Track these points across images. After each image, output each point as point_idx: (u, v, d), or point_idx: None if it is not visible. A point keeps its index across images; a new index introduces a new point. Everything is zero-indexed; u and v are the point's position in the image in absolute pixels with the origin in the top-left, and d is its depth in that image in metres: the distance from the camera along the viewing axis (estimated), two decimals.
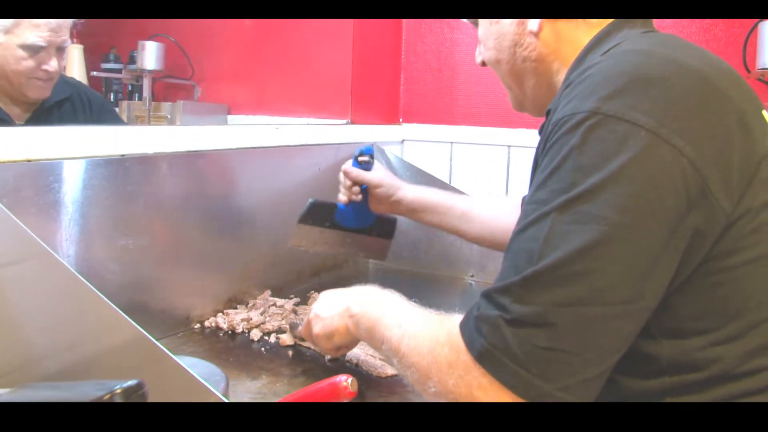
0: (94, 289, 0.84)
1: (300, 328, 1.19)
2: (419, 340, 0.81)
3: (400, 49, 2.15)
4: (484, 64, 1.05)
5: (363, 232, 1.47)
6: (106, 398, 0.54)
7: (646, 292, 0.70)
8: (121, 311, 0.83)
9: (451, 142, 2.07)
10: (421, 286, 1.76)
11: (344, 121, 1.94)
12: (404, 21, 2.14)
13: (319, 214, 1.44)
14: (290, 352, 1.27)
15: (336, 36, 1.99)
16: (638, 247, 0.69)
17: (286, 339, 1.30)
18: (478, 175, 2.03)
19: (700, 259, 0.72)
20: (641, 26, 0.89)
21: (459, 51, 2.07)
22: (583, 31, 0.90)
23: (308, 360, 1.24)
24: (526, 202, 0.76)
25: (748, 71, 1.64)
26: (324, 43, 2.04)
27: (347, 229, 1.46)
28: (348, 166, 1.45)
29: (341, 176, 1.46)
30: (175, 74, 2.50)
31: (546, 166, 0.74)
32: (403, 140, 2.14)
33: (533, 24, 0.92)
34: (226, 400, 0.75)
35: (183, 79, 2.50)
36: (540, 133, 0.89)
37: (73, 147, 1.15)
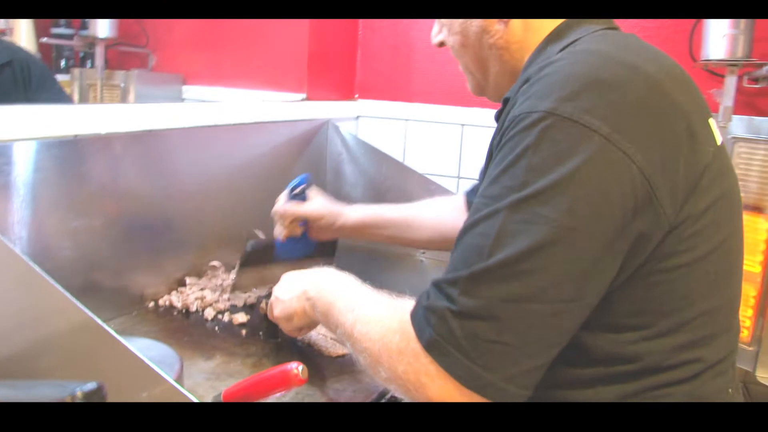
0: (43, 273, 0.85)
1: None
2: (371, 326, 0.83)
3: (357, 24, 2.15)
4: (441, 44, 1.06)
5: (305, 259, 1.44)
6: (67, 400, 0.56)
7: (587, 291, 0.74)
8: (69, 294, 0.84)
9: (406, 120, 2.09)
10: (375, 262, 1.79)
11: (300, 96, 1.95)
12: None
13: (259, 255, 1.39)
14: (243, 331, 1.30)
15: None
16: (583, 250, 0.71)
17: (239, 318, 1.32)
18: (432, 152, 2.06)
19: (641, 261, 0.76)
20: (602, 23, 0.90)
21: (416, 29, 2.08)
22: (549, 21, 0.91)
23: (261, 340, 1.27)
24: (478, 195, 0.78)
25: (694, 60, 1.69)
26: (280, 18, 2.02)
27: (289, 261, 1.42)
28: (283, 204, 1.40)
29: (276, 211, 1.41)
30: (128, 42, 2.46)
31: (500, 161, 0.75)
32: (359, 116, 2.15)
33: None
34: (177, 386, 0.77)
35: (137, 47, 2.46)
36: (496, 120, 0.91)
37: (25, 128, 1.14)
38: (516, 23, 0.93)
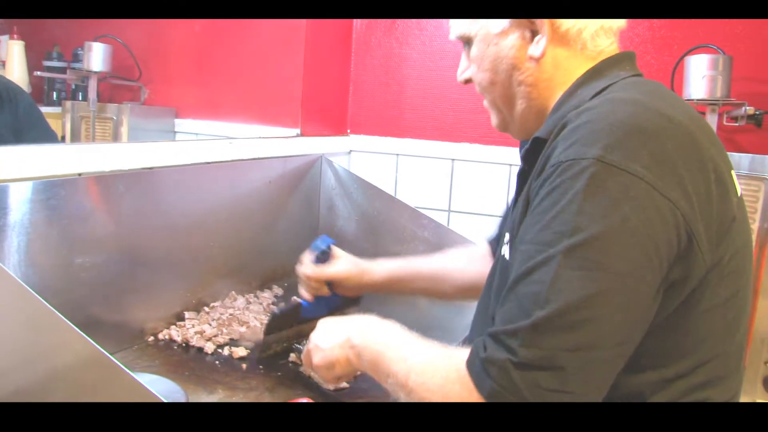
0: (50, 307, 0.87)
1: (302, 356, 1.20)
2: (427, 376, 0.84)
3: (350, 62, 2.21)
4: (466, 82, 1.06)
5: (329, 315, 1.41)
6: None
7: (636, 334, 0.77)
8: (78, 329, 0.86)
9: (397, 154, 2.14)
10: (372, 296, 1.81)
11: (294, 132, 1.99)
12: (354, 34, 2.20)
13: (284, 320, 1.37)
14: (244, 365, 1.32)
15: (287, 47, 2.02)
16: (635, 294, 0.75)
17: (240, 352, 1.34)
18: (423, 186, 2.11)
19: (676, 304, 0.79)
20: (629, 68, 0.94)
21: (407, 66, 2.14)
22: (578, 61, 0.94)
23: (262, 373, 1.29)
24: (525, 241, 0.79)
25: None
26: (275, 53, 2.07)
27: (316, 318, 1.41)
28: (309, 266, 1.37)
29: (301, 274, 1.38)
30: (121, 75, 2.49)
31: (549, 207, 0.77)
32: (351, 151, 2.20)
33: (535, 50, 0.93)
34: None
35: (130, 80, 2.49)
36: (525, 158, 0.94)
37: (25, 168, 1.16)
38: (547, 61, 0.94)
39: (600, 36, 0.93)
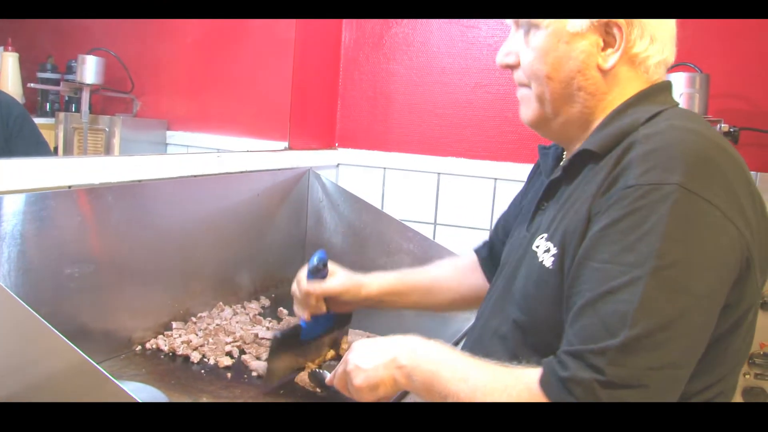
0: (38, 316, 0.90)
1: (329, 378, 1.17)
2: (495, 395, 0.86)
3: (338, 76, 2.25)
4: (506, 66, 1.04)
5: (324, 335, 1.39)
6: None
7: (701, 352, 0.83)
8: (65, 338, 0.89)
9: (384, 168, 2.18)
10: None
11: (282, 145, 2.02)
12: (343, 49, 2.24)
13: (285, 343, 1.34)
14: (229, 374, 1.35)
15: (276, 61, 2.06)
16: (710, 316, 0.81)
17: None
18: (409, 200, 2.15)
19: (728, 326, 0.86)
20: (671, 96, 1.00)
21: (394, 81, 2.18)
22: (635, 84, 0.97)
23: (245, 382, 1.32)
24: (605, 261, 0.82)
25: None
26: (264, 67, 2.10)
27: (315, 339, 1.37)
28: (306, 282, 1.32)
29: (297, 292, 1.34)
30: (114, 87, 2.52)
31: (630, 229, 0.80)
32: (338, 164, 2.23)
33: (606, 61, 0.95)
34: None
35: (122, 92, 2.52)
36: (566, 165, 0.98)
37: (16, 180, 1.19)
38: (611, 76, 0.96)
39: (660, 67, 0.98)
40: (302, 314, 1.34)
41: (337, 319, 1.39)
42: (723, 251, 0.80)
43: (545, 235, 0.96)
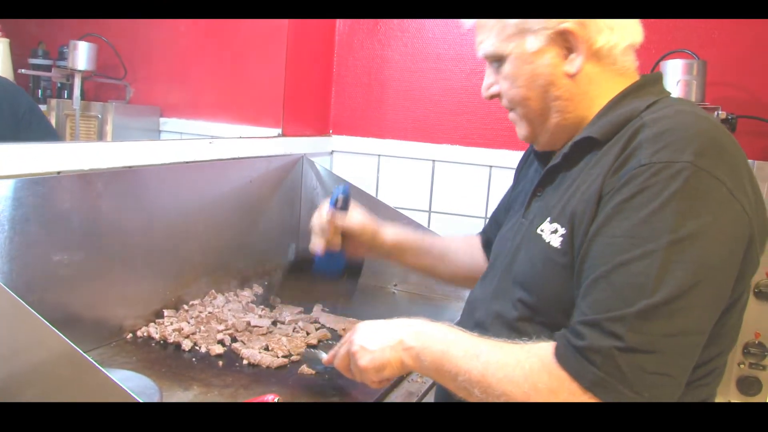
0: (25, 304, 0.89)
1: (328, 357, 1.18)
2: (509, 369, 0.87)
3: (332, 62, 2.22)
4: (492, 97, 1.10)
5: (335, 278, 1.40)
6: None
7: (714, 320, 0.87)
8: (52, 326, 0.88)
9: (379, 155, 2.16)
10: None
11: (276, 132, 2.00)
12: (337, 36, 2.22)
13: (300, 265, 1.37)
14: (220, 362, 1.34)
15: (269, 47, 2.04)
16: (721, 286, 0.85)
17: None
18: (404, 187, 2.13)
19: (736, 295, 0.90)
20: (662, 84, 1.04)
21: (389, 67, 2.15)
22: (609, 76, 1.01)
23: (237, 370, 1.31)
24: (617, 235, 0.85)
25: None
26: (257, 54, 2.08)
27: (325, 277, 1.38)
28: (327, 213, 1.34)
29: (317, 223, 1.36)
30: (106, 73, 2.49)
31: (643, 204, 0.84)
32: (333, 151, 2.22)
33: (571, 67, 0.99)
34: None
35: (115, 79, 2.49)
36: (567, 152, 1.00)
37: (7, 165, 1.18)
38: (582, 77, 1.00)
39: (627, 53, 1.02)
40: (317, 248, 1.35)
41: (350, 264, 1.40)
42: (732, 225, 0.84)
43: (549, 218, 0.98)
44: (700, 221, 0.82)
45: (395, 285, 1.92)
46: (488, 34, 1.05)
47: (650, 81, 1.02)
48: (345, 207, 1.34)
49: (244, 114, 2.09)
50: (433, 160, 2.10)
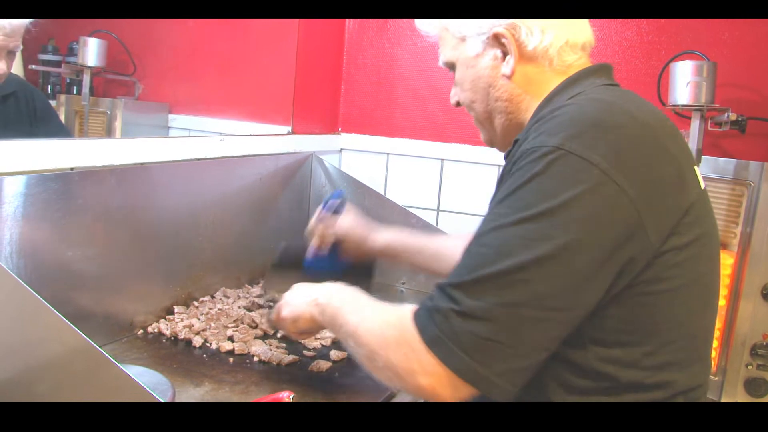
0: (40, 298, 0.90)
1: (271, 314, 1.26)
2: (373, 323, 0.94)
3: (342, 61, 2.23)
4: (458, 104, 1.14)
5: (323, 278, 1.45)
6: None
7: (577, 303, 0.84)
8: (67, 320, 0.89)
9: (388, 153, 2.17)
10: None
11: (285, 130, 2.01)
12: (347, 34, 2.22)
13: (290, 260, 1.42)
14: (231, 359, 1.35)
15: (279, 45, 2.04)
16: (576, 266, 0.82)
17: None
18: (413, 185, 2.14)
19: (628, 282, 0.86)
20: (605, 78, 1.03)
21: (398, 66, 2.16)
22: (548, 76, 1.02)
23: (248, 367, 1.32)
24: (487, 212, 0.89)
25: (663, 104, 1.78)
26: (267, 51, 2.09)
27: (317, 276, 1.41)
28: (317, 217, 1.45)
29: (312, 224, 1.46)
30: (115, 70, 2.50)
31: (509, 186, 0.86)
32: (342, 149, 2.22)
33: (506, 68, 1.02)
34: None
35: (124, 75, 2.50)
36: (506, 157, 1.00)
37: (21, 162, 1.19)
38: (518, 77, 1.02)
39: (566, 52, 1.02)
40: (310, 248, 1.43)
41: (354, 269, 1.44)
42: (597, 207, 0.82)
43: None
44: (554, 201, 0.81)
45: (403, 283, 1.93)
46: (442, 43, 1.10)
47: (584, 75, 1.02)
48: (338, 211, 1.39)
49: (253, 111, 2.09)
50: (442, 159, 2.10)
